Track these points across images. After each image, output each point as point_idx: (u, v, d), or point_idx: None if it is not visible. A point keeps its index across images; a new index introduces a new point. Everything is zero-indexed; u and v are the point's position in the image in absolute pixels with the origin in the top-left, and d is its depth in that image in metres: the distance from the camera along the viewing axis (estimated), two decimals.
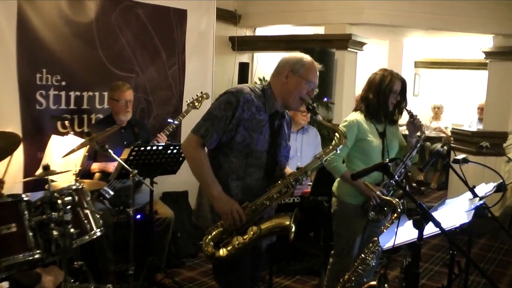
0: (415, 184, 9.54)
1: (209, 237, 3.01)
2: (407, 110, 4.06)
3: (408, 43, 10.70)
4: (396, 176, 3.15)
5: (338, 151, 3.16)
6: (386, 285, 3.27)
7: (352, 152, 3.98)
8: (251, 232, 2.97)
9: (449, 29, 7.38)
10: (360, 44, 7.31)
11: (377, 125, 3.98)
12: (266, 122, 3.07)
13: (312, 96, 3.15)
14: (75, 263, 3.71)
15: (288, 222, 2.99)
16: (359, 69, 7.55)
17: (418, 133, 4.15)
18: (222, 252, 2.97)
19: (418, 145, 4.07)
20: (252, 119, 3.01)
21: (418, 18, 7.08)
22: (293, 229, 2.97)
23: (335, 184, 4.12)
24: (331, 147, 3.12)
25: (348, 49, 7.08)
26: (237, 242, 2.96)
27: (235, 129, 2.99)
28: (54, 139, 4.63)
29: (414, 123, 4.03)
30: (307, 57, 3.13)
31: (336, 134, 3.15)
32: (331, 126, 3.33)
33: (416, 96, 11.54)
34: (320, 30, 7.76)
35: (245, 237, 2.97)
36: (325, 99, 6.32)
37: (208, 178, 2.99)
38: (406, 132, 4.11)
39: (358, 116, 3.98)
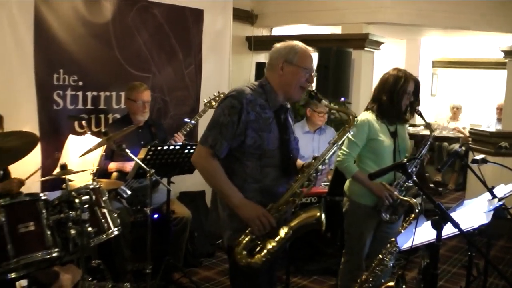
0: (432, 185, 9.48)
1: (240, 247, 2.86)
2: (417, 113, 4.03)
3: (426, 42, 10.63)
4: (414, 177, 3.12)
5: (351, 134, 3.11)
6: (403, 286, 3.25)
7: (364, 152, 3.96)
8: (282, 233, 2.87)
9: (467, 28, 7.30)
10: (377, 44, 7.27)
11: (388, 125, 3.95)
12: (272, 119, 2.98)
13: (311, 82, 3.06)
14: (93, 261, 3.72)
15: (318, 214, 2.91)
16: (376, 68, 7.51)
17: (428, 131, 4.13)
18: (258, 259, 2.84)
19: (428, 143, 4.05)
20: (259, 119, 2.91)
21: (436, 17, 7.03)
22: (324, 221, 2.90)
23: (347, 183, 4.11)
24: (343, 130, 3.05)
25: (365, 48, 7.05)
26: (270, 246, 2.85)
27: (244, 133, 2.88)
28: (71, 139, 4.67)
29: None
30: (298, 44, 3.02)
31: (346, 116, 3.10)
32: (338, 109, 3.31)
33: (434, 96, 11.46)
34: (337, 30, 7.75)
35: (276, 239, 2.86)
36: (342, 99, 6.29)
37: (227, 187, 2.88)
38: (411, 131, 4.06)
39: (369, 116, 3.94)
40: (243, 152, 2.92)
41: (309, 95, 3.13)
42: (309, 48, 3.03)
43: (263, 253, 2.84)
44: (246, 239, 2.87)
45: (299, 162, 3.18)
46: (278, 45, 3.05)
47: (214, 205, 3.14)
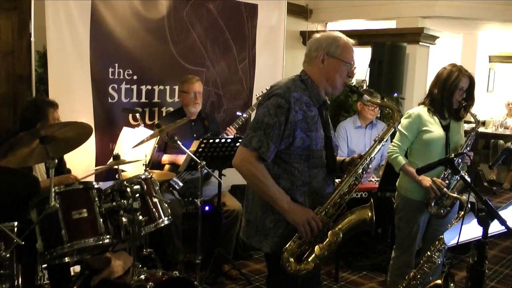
0: (486, 184, 9.23)
1: (288, 254, 2.74)
2: (471, 114, 3.97)
3: (483, 37, 10.38)
4: (461, 172, 3.07)
5: (397, 128, 3.04)
6: (452, 284, 3.19)
7: (414, 145, 3.94)
8: (331, 236, 2.76)
9: None
10: (433, 38, 7.16)
11: (441, 120, 3.90)
12: (317, 116, 2.83)
13: (352, 76, 2.93)
14: (144, 250, 3.80)
15: (369, 214, 2.82)
16: (431, 63, 7.39)
17: (474, 125, 4.05)
18: (308, 265, 2.75)
19: (473, 134, 3.98)
20: (306, 118, 2.76)
21: (494, 10, 6.86)
22: (374, 221, 2.81)
23: (399, 179, 4.09)
24: (388, 126, 2.95)
25: (420, 43, 6.95)
26: (319, 250, 2.74)
27: (292, 134, 2.72)
28: (125, 131, 4.78)
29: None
30: (340, 35, 2.87)
31: (390, 110, 3.00)
32: (382, 103, 3.25)
33: (491, 92, 11.17)
34: (391, 24, 7.66)
35: (325, 243, 2.76)
36: (395, 94, 6.22)
37: (275, 191, 2.71)
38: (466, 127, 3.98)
39: (421, 110, 3.93)
40: (290, 154, 2.77)
41: (350, 89, 3.04)
42: (351, 41, 2.90)
43: (311, 258, 2.76)
44: (294, 245, 2.76)
45: (339, 158, 3.05)
46: (318, 35, 2.91)
47: (248, 212, 2.95)
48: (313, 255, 2.76)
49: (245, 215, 2.99)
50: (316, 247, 2.76)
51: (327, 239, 2.77)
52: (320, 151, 2.83)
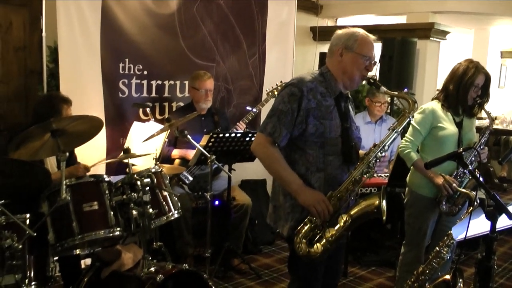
0: (497, 181, 9.18)
1: (300, 235, 2.86)
2: (485, 111, 3.95)
3: (495, 32, 10.29)
4: (470, 167, 3.06)
5: (412, 120, 3.05)
6: (460, 279, 3.20)
7: (427, 141, 3.92)
8: (342, 221, 2.85)
9: None
10: (443, 33, 7.12)
11: (454, 116, 3.88)
12: (333, 106, 2.94)
13: (371, 70, 3.01)
14: (154, 244, 3.83)
15: (378, 202, 2.88)
16: (442, 59, 7.36)
17: (487, 122, 4.02)
18: (318, 248, 2.83)
19: (488, 132, 3.95)
20: (320, 107, 2.88)
21: (506, 5, 6.82)
22: (385, 208, 2.87)
23: (409, 174, 4.07)
24: (403, 115, 3.02)
25: (431, 38, 6.92)
26: (329, 234, 2.83)
27: (305, 121, 2.86)
28: (135, 125, 4.81)
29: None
30: (359, 31, 2.97)
31: (406, 101, 3.06)
32: (398, 94, 3.28)
33: (502, 89, 11.10)
34: (402, 20, 7.64)
35: (336, 227, 2.85)
36: (405, 89, 6.21)
37: (287, 173, 2.87)
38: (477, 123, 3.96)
39: (435, 105, 3.91)
40: (305, 141, 2.90)
41: (367, 82, 3.10)
42: (371, 36, 2.99)
43: (322, 242, 2.84)
44: (306, 228, 2.86)
45: (362, 152, 3.13)
46: (339, 31, 3.02)
47: (275, 199, 3.07)
48: (324, 239, 2.84)
49: (271, 201, 3.13)
50: (327, 231, 2.85)
51: (338, 224, 2.86)
52: (335, 139, 2.93)
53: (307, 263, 2.93)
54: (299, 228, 2.87)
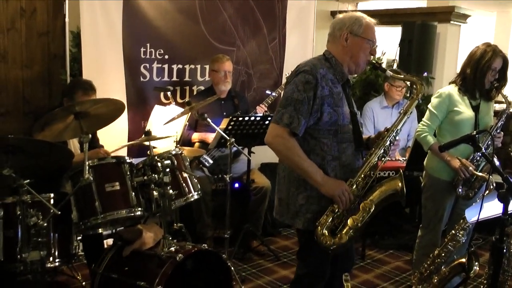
0: None
1: (321, 228, 2.83)
2: (502, 95, 3.94)
3: None
4: (483, 149, 3.08)
5: (420, 101, 3.03)
6: (476, 262, 3.22)
7: (443, 125, 3.94)
8: (364, 208, 2.85)
9: None
10: (464, 17, 7.05)
11: (470, 99, 3.89)
12: (342, 92, 2.91)
13: (374, 54, 3.03)
14: (175, 225, 3.91)
15: (400, 184, 2.87)
16: (463, 43, 7.30)
17: (505, 106, 4.01)
18: (342, 237, 2.82)
19: (504, 116, 3.94)
20: (332, 94, 2.84)
21: None
22: (405, 191, 2.86)
23: (426, 158, 4.10)
24: (411, 98, 3.01)
25: (451, 22, 6.84)
26: (352, 222, 2.82)
27: (320, 109, 2.80)
28: (156, 109, 4.89)
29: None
30: (362, 15, 2.96)
31: (413, 85, 3.05)
32: (405, 77, 3.30)
33: None
34: (422, 4, 7.58)
35: (358, 214, 2.84)
36: (425, 74, 6.19)
37: (308, 165, 2.79)
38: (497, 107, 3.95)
39: (452, 89, 3.91)
40: (318, 130, 2.85)
41: (373, 66, 3.13)
42: (372, 20, 2.99)
43: (345, 231, 2.83)
44: (327, 219, 2.83)
45: (364, 136, 3.11)
46: (341, 15, 3.00)
47: (280, 191, 3.03)
48: (347, 228, 2.83)
49: (276, 194, 3.07)
50: (350, 219, 2.84)
51: (360, 211, 2.85)
52: (347, 126, 2.91)
53: (320, 255, 2.92)
54: (320, 219, 2.84)
